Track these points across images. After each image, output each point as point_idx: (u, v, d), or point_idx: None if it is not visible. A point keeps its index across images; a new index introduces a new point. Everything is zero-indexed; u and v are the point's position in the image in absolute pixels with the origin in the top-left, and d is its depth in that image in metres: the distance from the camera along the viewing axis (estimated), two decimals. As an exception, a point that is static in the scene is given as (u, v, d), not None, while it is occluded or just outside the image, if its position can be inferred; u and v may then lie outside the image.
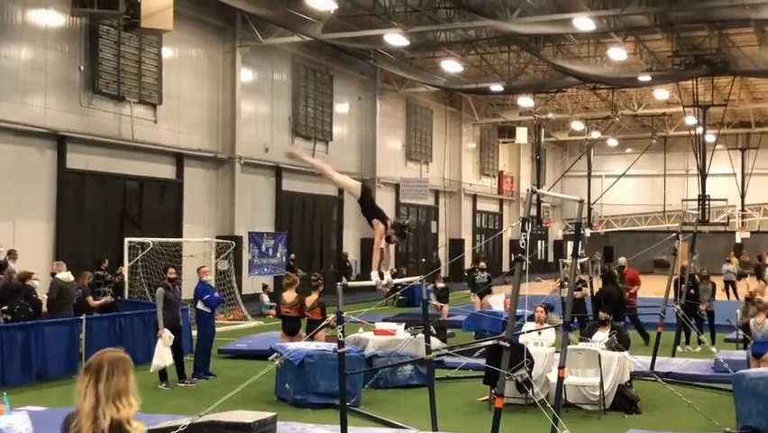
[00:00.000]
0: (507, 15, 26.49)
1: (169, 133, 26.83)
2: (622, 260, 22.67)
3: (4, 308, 15.63)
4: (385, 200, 38.76)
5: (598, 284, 21.43)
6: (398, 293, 27.00)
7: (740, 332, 17.14)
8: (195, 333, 15.75)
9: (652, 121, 49.90)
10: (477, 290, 23.64)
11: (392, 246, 10.47)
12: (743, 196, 53.03)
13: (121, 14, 22.06)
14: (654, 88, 40.09)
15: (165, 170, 27.07)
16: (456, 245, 44.98)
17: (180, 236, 26.27)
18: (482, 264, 25.32)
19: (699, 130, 42.22)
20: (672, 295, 16.95)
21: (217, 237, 26.54)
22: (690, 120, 43.18)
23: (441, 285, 23.17)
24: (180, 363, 14.47)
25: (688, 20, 29.57)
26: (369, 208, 9.87)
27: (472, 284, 24.38)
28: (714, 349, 16.15)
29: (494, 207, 52.73)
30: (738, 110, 46.88)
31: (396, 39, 28.65)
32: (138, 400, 3.87)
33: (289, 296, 14.66)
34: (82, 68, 23.75)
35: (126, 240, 22.27)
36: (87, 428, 3.74)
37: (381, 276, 9.76)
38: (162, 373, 14.14)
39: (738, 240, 51.47)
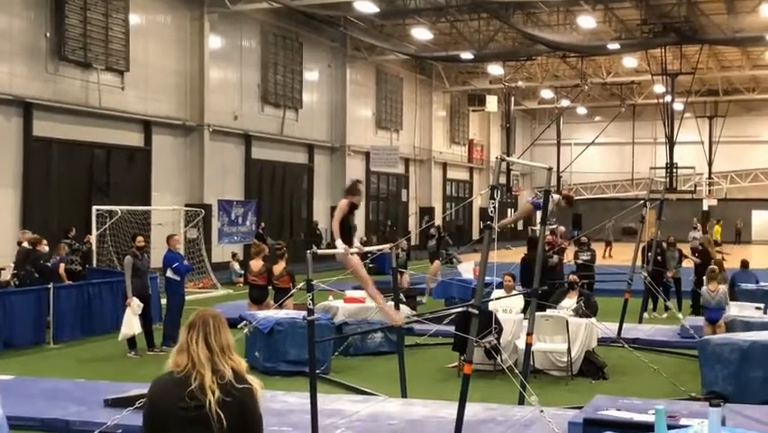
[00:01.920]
0: (477, -17, 26.40)
1: (137, 100, 26.58)
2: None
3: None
4: (355, 168, 38.77)
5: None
6: (368, 261, 27.09)
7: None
8: (164, 301, 15.71)
9: (621, 89, 50.06)
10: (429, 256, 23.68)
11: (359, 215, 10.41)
12: (710, 164, 53.53)
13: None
14: (623, 57, 40.27)
15: (133, 138, 26.84)
16: (426, 213, 45.07)
17: (149, 204, 26.11)
18: (431, 230, 25.37)
19: (668, 98, 42.47)
20: (639, 262, 17.10)
21: (186, 205, 26.42)
22: (659, 88, 43.41)
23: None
24: (149, 331, 14.45)
25: (657, -12, 29.63)
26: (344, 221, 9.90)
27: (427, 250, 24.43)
28: (680, 315, 16.34)
29: (464, 176, 52.85)
30: (706, 78, 47.14)
31: (366, 6, 28.48)
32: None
33: (256, 264, 14.63)
34: (48, 34, 23.43)
35: (94, 208, 22.13)
36: (210, 378, 3.69)
37: (350, 244, 9.75)
38: (131, 342, 14.13)
39: (705, 207, 52.01)
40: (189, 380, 3.69)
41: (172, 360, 3.79)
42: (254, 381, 3.81)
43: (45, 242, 17.22)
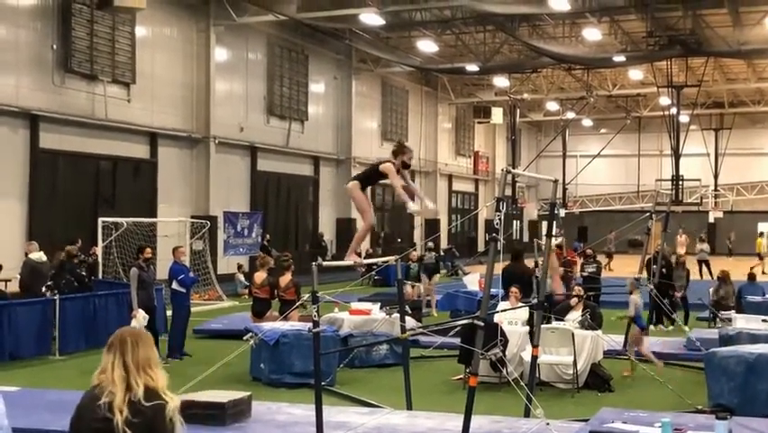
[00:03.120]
0: (482, -5, 26.47)
1: (143, 112, 26.66)
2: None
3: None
4: (360, 180, 38.70)
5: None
6: (374, 272, 27.11)
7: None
8: (170, 313, 15.70)
9: (626, 101, 50.09)
10: (426, 271, 23.07)
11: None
12: (716, 176, 53.48)
13: (94, -7, 21.87)
14: (629, 69, 40.29)
15: (139, 150, 26.91)
16: (432, 225, 45.03)
17: (155, 216, 26.15)
18: (429, 245, 25.14)
19: (673, 110, 42.50)
20: (644, 274, 17.06)
21: (192, 217, 26.45)
22: (665, 100, 43.45)
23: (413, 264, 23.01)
24: (155, 343, 14.42)
25: (662, 0, 29.65)
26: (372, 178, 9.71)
27: (421, 266, 23.65)
28: (686, 328, 16.28)
29: (470, 187, 52.84)
30: (712, 91, 47.14)
31: (371, 18, 28.56)
32: (165, 374, 3.91)
33: (259, 276, 14.55)
34: (55, 46, 23.54)
35: (100, 220, 22.16)
36: (121, 398, 3.76)
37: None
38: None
39: (711, 220, 51.93)
40: (102, 398, 3.79)
41: (95, 377, 3.90)
42: (170, 397, 3.83)
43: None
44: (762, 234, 42.09)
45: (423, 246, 35.74)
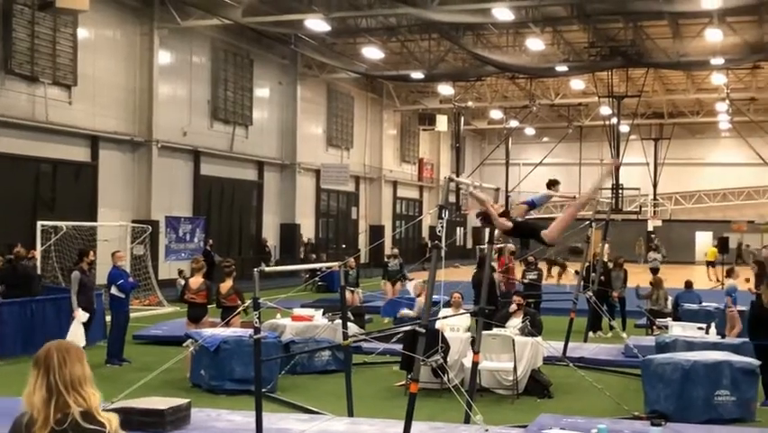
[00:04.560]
0: (427, 3, 26.60)
1: (85, 115, 26.33)
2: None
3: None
4: (305, 185, 38.76)
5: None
6: (317, 278, 27.10)
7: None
8: (109, 318, 15.53)
9: (568, 111, 50.69)
10: (390, 277, 23.90)
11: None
12: (655, 185, 54.30)
13: (35, -7, 21.57)
14: (571, 79, 40.77)
15: (80, 153, 26.57)
16: (376, 231, 45.12)
17: (95, 220, 25.82)
18: (394, 251, 25.56)
19: (614, 120, 43.10)
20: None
21: (133, 222, 26.19)
22: (605, 110, 44.07)
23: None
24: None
25: (604, 12, 30.07)
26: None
27: (386, 271, 24.61)
28: (624, 335, 16.53)
29: (414, 194, 53.04)
30: (652, 101, 47.91)
31: (317, 24, 28.54)
32: (98, 393, 3.51)
33: (195, 281, 14.18)
34: (-6, 47, 23.16)
35: (39, 223, 21.80)
36: (41, 424, 3.35)
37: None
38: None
39: (650, 228, 52.72)
40: (30, 424, 3.40)
41: (24, 400, 3.45)
42: (106, 418, 3.44)
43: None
44: (716, 245, 42.96)
45: (368, 252, 35.88)
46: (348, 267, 22.89)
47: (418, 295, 18.59)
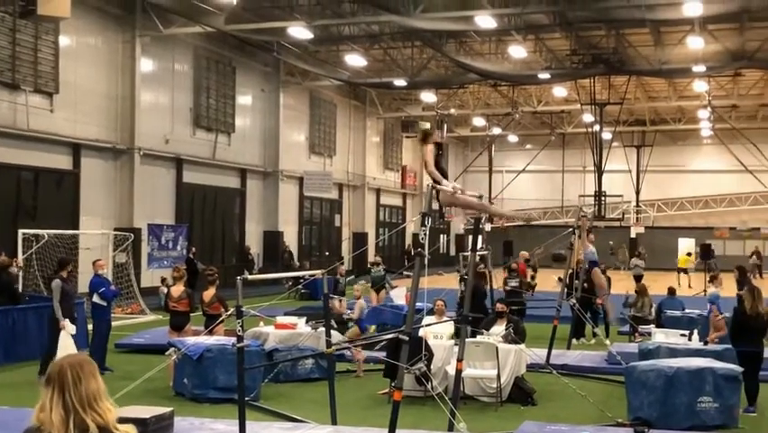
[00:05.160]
0: (410, 11, 26.62)
1: (66, 122, 26.21)
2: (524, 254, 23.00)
3: None
4: (288, 193, 38.71)
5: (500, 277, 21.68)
6: (300, 286, 27.07)
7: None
8: (91, 327, 15.45)
9: (551, 118, 50.85)
10: (374, 285, 23.91)
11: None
12: (638, 192, 54.54)
13: (16, 1, 21.41)
14: (553, 86, 40.91)
15: (61, 161, 26.44)
16: (360, 239, 45.10)
17: (77, 228, 25.69)
18: (377, 258, 25.58)
19: (596, 127, 43.26)
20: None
21: (116, 229, 26.07)
22: (588, 118, 44.24)
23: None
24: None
25: (586, 19, 30.19)
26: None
27: (371, 279, 24.64)
28: (608, 342, 16.57)
29: (397, 201, 53.07)
30: (634, 108, 48.12)
31: (299, 32, 28.54)
32: (114, 405, 3.52)
33: (177, 290, 14.12)
34: (-26, 54, 23.03)
35: (20, 232, 21.68)
36: None
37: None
38: (43, 366, 13.87)
39: (633, 235, 52.92)
40: None
41: (35, 417, 3.45)
42: (125, 430, 3.50)
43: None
44: (690, 253, 43.29)
45: (352, 260, 35.83)
46: (339, 274, 22.96)
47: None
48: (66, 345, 13.74)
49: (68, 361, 3.51)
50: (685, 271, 39.12)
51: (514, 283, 20.51)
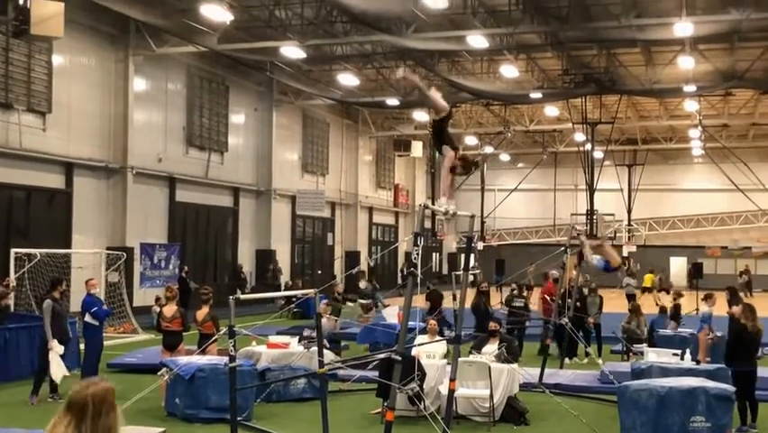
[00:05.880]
0: (402, 31, 26.76)
1: (59, 141, 26.22)
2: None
3: None
4: (281, 211, 38.70)
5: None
6: (293, 305, 27.01)
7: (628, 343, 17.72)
8: (82, 346, 15.40)
9: (543, 137, 51.01)
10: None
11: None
12: (629, 211, 54.63)
13: (9, 20, 21.38)
14: (545, 105, 41.06)
15: (54, 180, 26.43)
16: (352, 257, 45.09)
17: (69, 247, 25.66)
18: (361, 270, 25.49)
19: (588, 146, 43.41)
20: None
21: (108, 249, 26.02)
22: (580, 136, 44.37)
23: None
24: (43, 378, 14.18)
25: (577, 39, 30.39)
26: (442, 133, 9.97)
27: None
28: (600, 361, 16.58)
29: (390, 220, 53.10)
30: (625, 128, 48.28)
31: (292, 51, 28.64)
32: None
33: (169, 309, 14.09)
34: (-33, 74, 23.05)
35: (12, 251, 21.64)
36: None
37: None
38: (36, 387, 13.86)
39: (625, 254, 52.95)
40: None
41: None
42: None
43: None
44: (652, 271, 43.36)
45: (344, 279, 35.77)
46: (336, 293, 22.92)
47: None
48: (56, 366, 13.74)
49: (92, 392, 3.50)
50: (650, 290, 39.31)
51: (518, 303, 20.52)
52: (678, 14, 24.84)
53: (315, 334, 16.13)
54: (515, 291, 21.17)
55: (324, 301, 18.85)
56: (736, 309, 12.80)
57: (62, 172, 26.70)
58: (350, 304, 24.37)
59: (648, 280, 41.05)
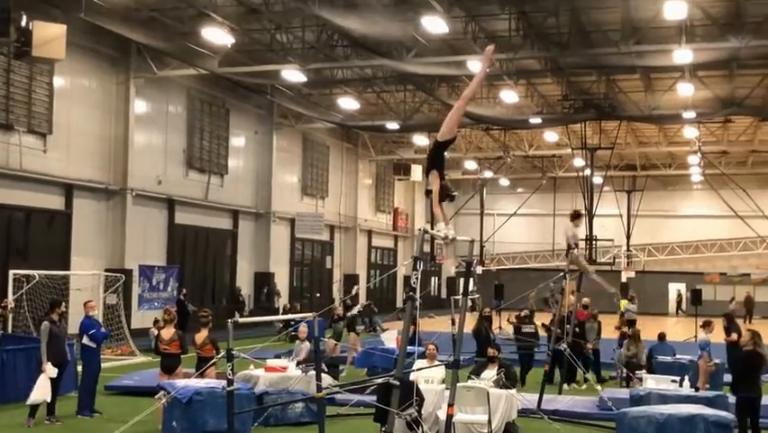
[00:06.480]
0: (403, 56, 26.88)
1: (59, 163, 26.26)
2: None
3: None
4: (280, 234, 38.70)
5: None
6: (291, 329, 26.91)
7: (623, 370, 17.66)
8: (80, 368, 15.35)
9: (542, 162, 51.10)
10: (349, 326, 23.41)
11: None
12: (628, 236, 54.62)
13: (11, 42, 21.47)
14: (545, 131, 41.15)
15: (54, 201, 26.45)
16: (351, 281, 45.02)
17: (68, 269, 25.61)
18: (345, 297, 25.28)
19: (587, 172, 43.45)
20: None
21: (107, 270, 26.00)
22: (579, 162, 44.42)
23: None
24: (53, 399, 14.11)
25: (577, 65, 30.51)
26: (438, 158, 10.04)
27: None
28: (599, 387, 16.53)
29: (389, 243, 53.07)
30: (625, 153, 48.34)
31: (293, 75, 28.74)
32: None
33: (167, 332, 14.02)
34: (-31, 95, 23.11)
35: (11, 272, 21.61)
36: None
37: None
38: (33, 409, 13.79)
39: (624, 279, 52.90)
40: None
41: None
42: None
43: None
44: (624, 296, 43.16)
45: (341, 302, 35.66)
46: (336, 316, 22.77)
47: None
48: (44, 388, 13.70)
49: None
50: (623, 314, 39.03)
51: (528, 330, 20.47)
52: (677, 41, 24.96)
53: (292, 357, 16.17)
54: (526, 318, 21.07)
55: (303, 325, 18.44)
56: (745, 335, 12.73)
57: (62, 194, 26.73)
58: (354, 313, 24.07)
59: (622, 305, 40.83)
